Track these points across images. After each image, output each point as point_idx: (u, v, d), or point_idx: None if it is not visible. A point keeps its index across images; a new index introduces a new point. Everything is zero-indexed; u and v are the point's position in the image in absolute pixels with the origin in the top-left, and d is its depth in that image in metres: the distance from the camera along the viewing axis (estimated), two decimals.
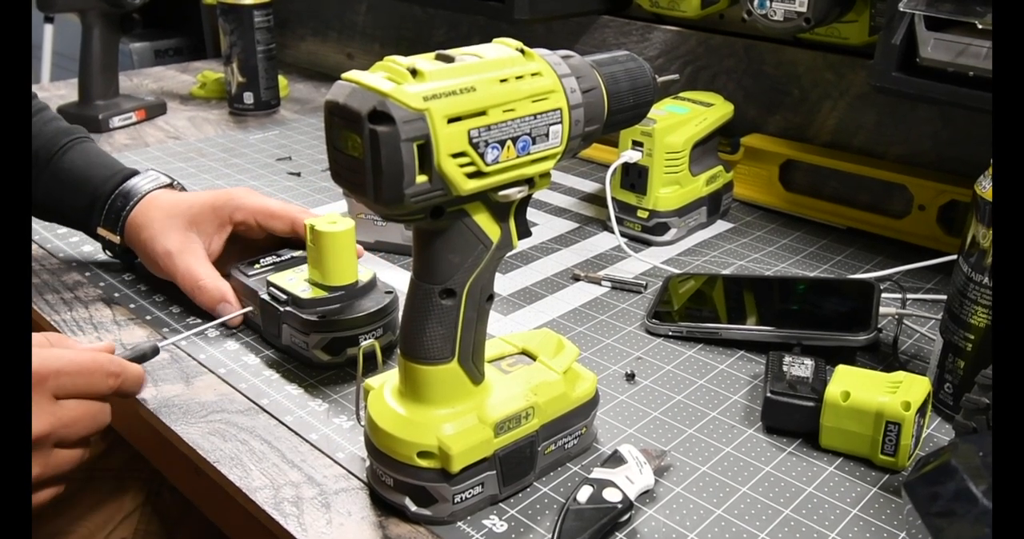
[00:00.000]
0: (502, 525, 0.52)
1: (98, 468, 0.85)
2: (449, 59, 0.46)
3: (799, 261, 0.86)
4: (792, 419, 0.59)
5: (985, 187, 0.56)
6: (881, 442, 0.56)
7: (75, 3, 1.17)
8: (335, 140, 0.45)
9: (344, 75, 0.45)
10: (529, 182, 0.49)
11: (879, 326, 0.68)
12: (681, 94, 0.96)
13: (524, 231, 0.51)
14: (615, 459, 0.55)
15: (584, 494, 0.52)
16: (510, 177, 0.48)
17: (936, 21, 0.70)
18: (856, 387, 0.57)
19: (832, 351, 0.67)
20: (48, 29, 2.34)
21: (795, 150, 0.96)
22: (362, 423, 0.55)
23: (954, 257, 0.61)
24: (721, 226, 0.94)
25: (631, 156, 0.87)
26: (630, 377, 0.66)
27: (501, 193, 0.48)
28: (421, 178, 0.44)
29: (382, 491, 0.53)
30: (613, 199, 0.89)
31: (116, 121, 1.22)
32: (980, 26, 0.67)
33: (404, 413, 0.52)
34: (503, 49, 0.49)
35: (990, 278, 0.57)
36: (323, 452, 0.58)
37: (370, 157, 0.43)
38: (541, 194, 1.01)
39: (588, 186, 1.05)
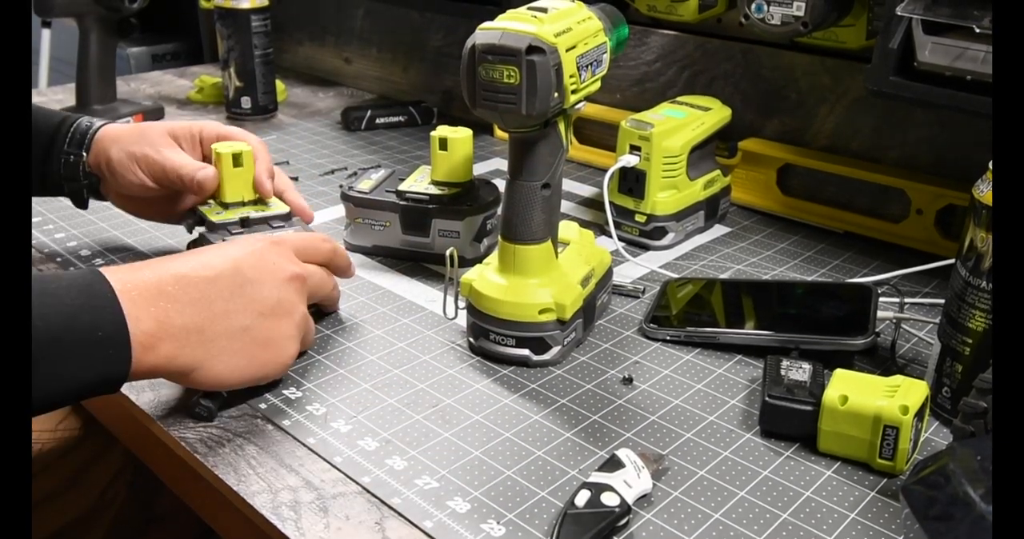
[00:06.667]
0: (500, 529, 0.52)
1: (90, 472, 0.86)
2: (544, 10, 0.62)
3: (797, 265, 0.86)
4: (790, 423, 0.59)
5: (983, 191, 0.57)
6: (879, 446, 0.56)
7: (72, 8, 1.17)
8: (486, 74, 0.60)
9: (484, 25, 0.60)
10: (588, 99, 0.67)
11: (877, 330, 0.68)
12: (679, 98, 0.96)
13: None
14: (613, 463, 0.55)
15: (582, 498, 0.52)
16: (585, 93, 0.65)
17: (933, 25, 0.70)
18: (854, 391, 0.57)
19: (830, 355, 0.67)
20: (45, 34, 2.34)
21: (793, 154, 0.97)
22: (449, 315, 0.74)
23: (952, 261, 0.61)
24: (719, 230, 0.94)
25: (629, 160, 0.87)
26: (628, 381, 0.66)
27: (577, 106, 0.65)
28: (555, 94, 0.60)
29: (501, 352, 0.67)
30: (611, 203, 0.89)
31: None
32: (978, 30, 0.67)
33: (518, 285, 0.66)
34: (562, 2, 0.65)
35: (988, 282, 0.57)
36: (321, 456, 0.58)
37: (526, 82, 0.59)
38: None
39: (585, 190, 1.06)
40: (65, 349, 0.49)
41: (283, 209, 0.78)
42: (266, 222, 0.76)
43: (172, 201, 0.81)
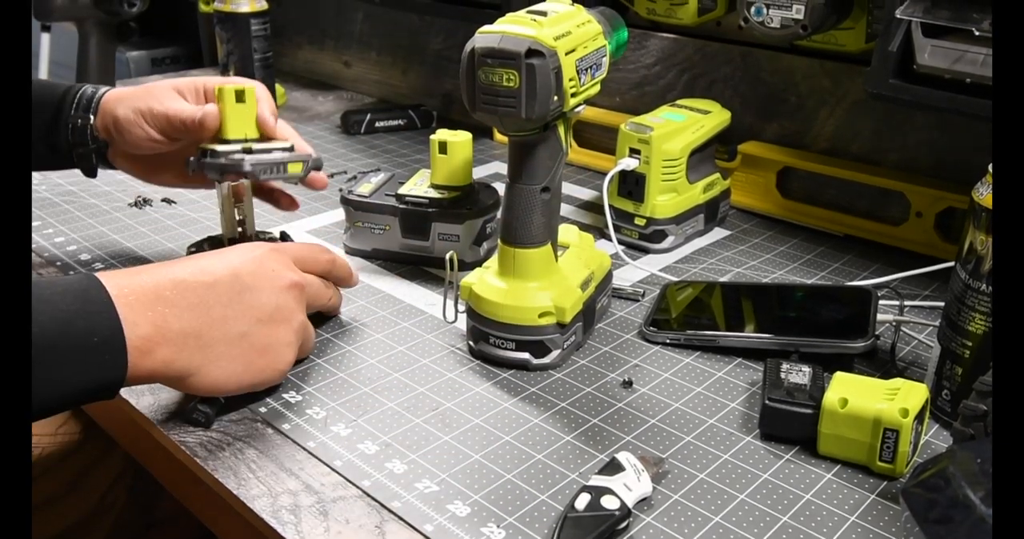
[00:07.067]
0: (500, 533, 0.52)
1: (90, 476, 0.86)
2: (543, 13, 0.62)
3: (796, 268, 0.86)
4: (790, 426, 0.59)
5: (982, 194, 0.57)
6: (879, 449, 0.56)
7: (72, 12, 1.17)
8: (486, 78, 0.60)
9: (484, 29, 0.60)
10: (588, 102, 0.67)
11: (877, 333, 0.68)
12: (678, 101, 0.96)
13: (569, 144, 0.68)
14: (613, 466, 0.55)
15: (582, 502, 0.52)
16: (584, 97, 0.65)
17: (933, 28, 0.70)
18: (854, 394, 0.57)
19: (830, 358, 0.67)
20: (45, 38, 2.33)
21: (792, 157, 0.97)
22: (449, 319, 0.75)
23: (951, 264, 0.61)
24: (718, 233, 0.94)
25: (628, 163, 0.87)
26: (627, 384, 0.66)
27: (576, 110, 0.65)
28: (554, 98, 0.60)
29: (501, 355, 0.68)
30: (610, 207, 0.89)
31: None
32: (977, 33, 0.67)
33: (518, 288, 0.67)
34: (562, 5, 0.66)
35: (987, 285, 0.57)
36: (321, 460, 0.58)
37: (525, 85, 0.59)
38: None
39: (585, 194, 1.06)
40: (61, 355, 0.49)
41: (286, 143, 0.76)
42: (268, 152, 0.75)
43: (179, 160, 0.80)
